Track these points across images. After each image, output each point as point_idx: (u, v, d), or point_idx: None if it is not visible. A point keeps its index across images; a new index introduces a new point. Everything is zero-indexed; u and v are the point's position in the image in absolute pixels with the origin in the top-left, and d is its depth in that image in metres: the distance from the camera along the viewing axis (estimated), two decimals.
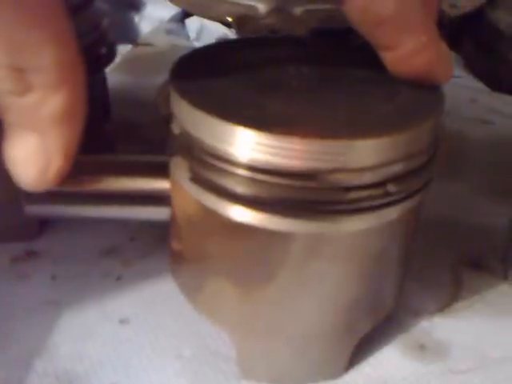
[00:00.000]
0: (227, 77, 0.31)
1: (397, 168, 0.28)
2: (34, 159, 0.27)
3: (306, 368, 0.34)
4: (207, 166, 0.29)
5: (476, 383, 0.34)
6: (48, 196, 0.32)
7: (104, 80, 0.48)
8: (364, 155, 0.27)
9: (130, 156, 0.35)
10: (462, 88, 0.66)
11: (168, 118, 0.31)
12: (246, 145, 0.27)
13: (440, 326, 0.37)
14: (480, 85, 0.67)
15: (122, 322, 0.37)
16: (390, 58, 0.31)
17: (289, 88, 0.31)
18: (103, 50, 0.44)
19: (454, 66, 0.70)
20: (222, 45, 0.38)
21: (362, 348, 0.35)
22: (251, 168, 0.27)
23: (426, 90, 0.31)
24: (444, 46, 0.31)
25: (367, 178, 0.27)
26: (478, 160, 0.53)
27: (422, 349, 0.36)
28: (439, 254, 0.42)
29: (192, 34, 0.76)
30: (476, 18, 0.72)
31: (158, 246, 0.42)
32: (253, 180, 0.28)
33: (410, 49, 0.30)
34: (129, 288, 0.39)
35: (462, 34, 0.73)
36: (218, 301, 0.32)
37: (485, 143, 0.56)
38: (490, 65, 0.67)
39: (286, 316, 0.31)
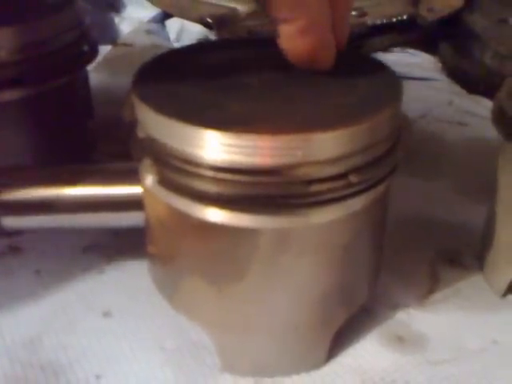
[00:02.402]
0: (189, 80, 0.32)
1: (358, 159, 0.29)
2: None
3: (287, 360, 0.34)
4: (173, 168, 0.29)
5: (454, 373, 0.34)
6: (21, 207, 0.32)
7: (86, 78, 0.48)
8: (323, 148, 0.28)
9: (103, 164, 0.35)
10: (439, 91, 0.66)
11: (132, 124, 0.32)
12: (209, 145, 0.28)
13: (418, 319, 0.38)
14: (456, 87, 0.68)
15: (106, 314, 0.38)
16: (284, 32, 0.31)
17: (250, 88, 0.31)
18: (85, 48, 0.44)
19: (432, 69, 0.70)
20: (183, 50, 0.39)
21: (341, 340, 0.35)
22: (216, 168, 0.28)
23: (384, 81, 0.32)
24: (330, 36, 0.32)
25: (328, 170, 0.28)
26: (453, 161, 0.54)
27: (400, 340, 0.36)
28: (416, 250, 0.43)
29: (172, 35, 0.77)
30: (453, 21, 0.73)
31: (140, 242, 0.42)
32: (218, 180, 0.28)
33: (303, 25, 0.30)
34: (111, 282, 0.40)
35: (438, 38, 0.74)
36: (195, 299, 0.33)
37: (460, 144, 0.56)
38: (466, 68, 0.68)
39: (261, 310, 0.32)
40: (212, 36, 0.73)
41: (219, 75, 0.33)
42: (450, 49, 0.72)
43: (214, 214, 0.29)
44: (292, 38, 0.31)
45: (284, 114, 0.29)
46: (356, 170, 0.29)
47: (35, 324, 0.37)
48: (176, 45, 0.75)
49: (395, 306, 0.39)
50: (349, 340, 0.36)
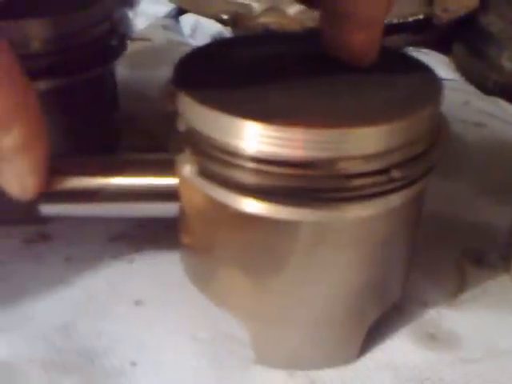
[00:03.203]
0: (229, 72, 0.32)
1: (399, 154, 0.29)
2: (11, 181, 0.31)
3: (319, 353, 0.34)
4: (214, 159, 0.29)
5: (487, 372, 0.35)
6: (61, 195, 0.33)
7: (113, 72, 0.48)
8: (366, 143, 0.28)
9: (137, 155, 0.35)
10: (455, 91, 0.66)
11: (173, 115, 0.32)
12: (252, 137, 0.28)
13: (448, 317, 0.38)
14: (471, 88, 0.68)
15: (137, 303, 0.38)
16: (344, 26, 0.32)
17: (289, 81, 0.31)
18: (114, 42, 0.44)
19: (446, 69, 0.71)
20: (223, 42, 0.39)
21: (372, 336, 0.35)
22: (257, 160, 0.28)
23: (423, 79, 0.32)
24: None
25: (371, 165, 0.28)
26: (473, 161, 0.54)
27: (431, 338, 0.37)
28: (442, 250, 0.43)
29: (187, 31, 0.76)
30: (468, 22, 0.73)
31: (166, 234, 0.42)
32: (259, 171, 0.28)
33: (364, 19, 0.31)
34: (141, 271, 0.40)
35: (453, 38, 0.74)
36: (230, 290, 0.33)
37: (479, 145, 0.56)
38: (481, 68, 0.68)
39: (297, 303, 0.32)
40: (227, 32, 0.73)
41: (259, 68, 0.33)
42: (463, 49, 0.71)
43: (253, 206, 0.29)
44: (351, 32, 0.31)
45: (325, 108, 0.29)
46: (397, 165, 0.29)
47: (68, 310, 0.37)
48: (190, 40, 0.75)
49: (425, 304, 0.39)
50: (380, 336, 0.36)
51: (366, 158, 0.28)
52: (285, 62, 0.34)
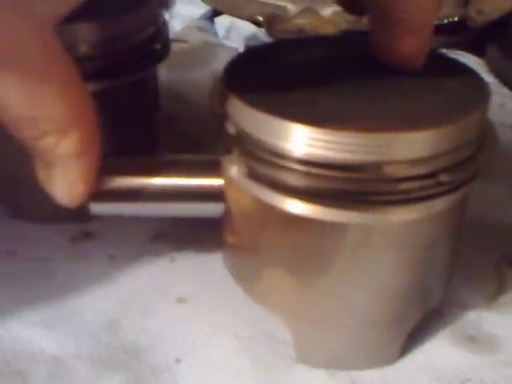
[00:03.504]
0: (278, 75, 0.33)
1: (448, 158, 0.29)
2: (60, 186, 0.31)
3: (361, 354, 0.35)
4: (263, 161, 0.30)
5: None
6: (110, 195, 0.33)
7: (156, 75, 0.49)
8: (414, 147, 0.28)
9: (182, 156, 0.36)
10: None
11: (218, 117, 0.32)
12: (301, 140, 0.28)
13: (488, 320, 0.38)
14: (506, 90, 0.67)
15: (180, 301, 0.38)
16: (395, 31, 0.32)
17: (337, 85, 0.32)
18: (158, 46, 0.45)
19: (480, 71, 0.70)
20: (272, 44, 0.39)
21: (413, 338, 0.36)
22: (306, 162, 0.28)
23: (470, 83, 0.32)
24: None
25: (418, 169, 0.28)
26: (509, 164, 0.54)
27: (472, 340, 0.37)
28: (480, 253, 0.43)
29: (221, 33, 0.77)
30: (502, 24, 0.72)
31: (204, 233, 0.42)
32: (308, 174, 0.28)
33: (414, 24, 0.31)
34: (183, 270, 0.40)
35: (487, 40, 0.74)
36: (274, 290, 0.33)
37: None
38: None
39: (340, 304, 0.32)
40: (261, 34, 0.74)
41: (308, 71, 0.33)
42: (497, 52, 0.71)
43: (300, 207, 0.29)
44: (402, 37, 0.32)
45: (373, 112, 0.29)
46: (445, 169, 0.29)
47: (113, 307, 0.37)
48: (225, 42, 0.75)
49: (464, 307, 0.39)
50: (420, 338, 0.36)
51: (413, 162, 0.28)
52: (333, 65, 0.34)
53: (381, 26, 0.32)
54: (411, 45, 0.32)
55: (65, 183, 0.31)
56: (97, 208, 0.34)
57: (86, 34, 0.39)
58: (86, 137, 0.30)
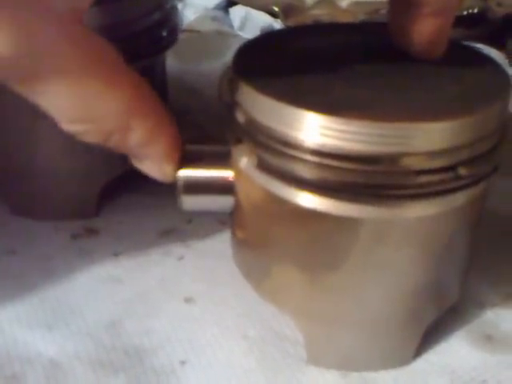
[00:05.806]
0: (290, 63, 0.31)
1: (466, 152, 0.28)
2: (149, 170, 0.32)
3: (375, 355, 0.34)
4: (274, 152, 0.28)
5: None
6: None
7: (163, 63, 0.47)
8: (432, 138, 0.27)
9: (192, 146, 0.35)
10: None
11: (230, 106, 0.31)
12: (315, 130, 0.27)
13: (506, 318, 0.37)
14: None
15: (187, 300, 0.37)
16: (416, 15, 0.31)
17: (352, 73, 0.30)
18: (165, 33, 0.44)
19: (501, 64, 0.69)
20: (283, 32, 0.38)
21: (428, 338, 0.35)
22: (319, 153, 0.27)
23: (491, 74, 0.31)
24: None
25: (437, 161, 0.27)
26: None
27: (489, 340, 0.36)
28: (499, 250, 0.42)
29: (236, 23, 0.76)
30: None
31: (215, 229, 0.42)
32: (321, 165, 0.27)
33: (438, 7, 0.30)
34: (191, 268, 0.39)
35: (507, 33, 0.73)
36: (284, 287, 0.32)
37: None
38: None
39: (353, 302, 0.31)
40: (277, 25, 0.73)
41: (321, 58, 0.32)
42: None
43: (314, 201, 0.28)
44: (422, 20, 0.30)
45: (390, 101, 0.28)
46: (464, 163, 0.28)
47: (117, 307, 0.36)
48: (240, 33, 0.74)
49: (482, 305, 0.38)
50: (435, 338, 0.35)
51: (432, 154, 0.27)
52: (347, 53, 0.33)
53: (401, 9, 0.31)
54: (431, 29, 0.30)
55: (152, 167, 0.32)
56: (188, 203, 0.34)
57: (89, 19, 0.37)
58: (151, 122, 0.30)
